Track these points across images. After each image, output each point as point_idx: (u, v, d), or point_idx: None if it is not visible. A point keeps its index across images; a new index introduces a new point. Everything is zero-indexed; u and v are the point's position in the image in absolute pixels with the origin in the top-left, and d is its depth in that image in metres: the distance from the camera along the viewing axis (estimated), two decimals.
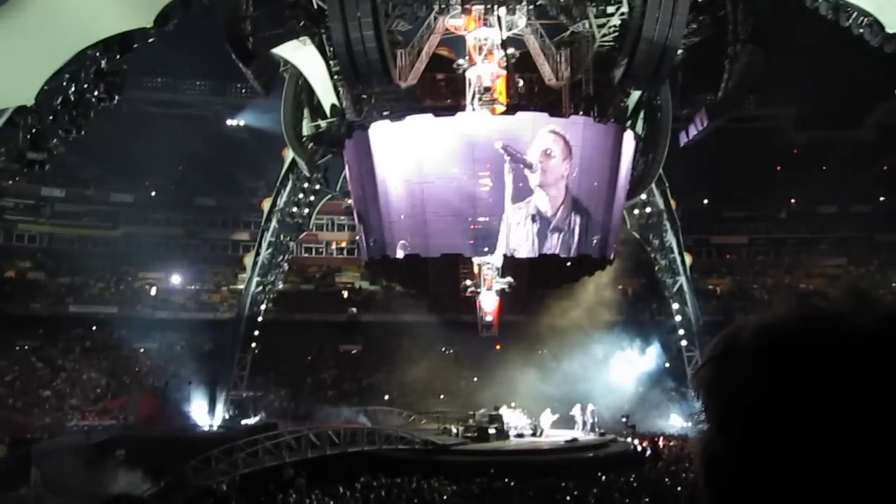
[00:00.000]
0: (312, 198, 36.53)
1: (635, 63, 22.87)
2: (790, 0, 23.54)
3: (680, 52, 24.45)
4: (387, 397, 38.92)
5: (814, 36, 27.19)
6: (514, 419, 30.14)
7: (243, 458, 22.29)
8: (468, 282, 28.80)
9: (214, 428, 34.89)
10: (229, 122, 52.50)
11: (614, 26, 25.08)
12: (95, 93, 19.73)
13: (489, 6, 25.84)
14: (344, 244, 50.53)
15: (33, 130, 19.25)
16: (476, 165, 25.08)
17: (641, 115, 30.35)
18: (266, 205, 37.62)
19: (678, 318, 37.23)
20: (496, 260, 27.15)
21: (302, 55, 28.05)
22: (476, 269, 28.54)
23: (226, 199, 49.71)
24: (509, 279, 27.96)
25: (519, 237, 25.06)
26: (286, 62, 29.73)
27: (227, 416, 35.77)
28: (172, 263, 47.47)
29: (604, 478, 22.16)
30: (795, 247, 49.24)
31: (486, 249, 25.89)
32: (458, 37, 27.66)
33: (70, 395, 38.80)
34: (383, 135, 25.51)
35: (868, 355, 0.82)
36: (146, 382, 40.71)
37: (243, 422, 34.88)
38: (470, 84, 26.84)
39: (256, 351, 37.68)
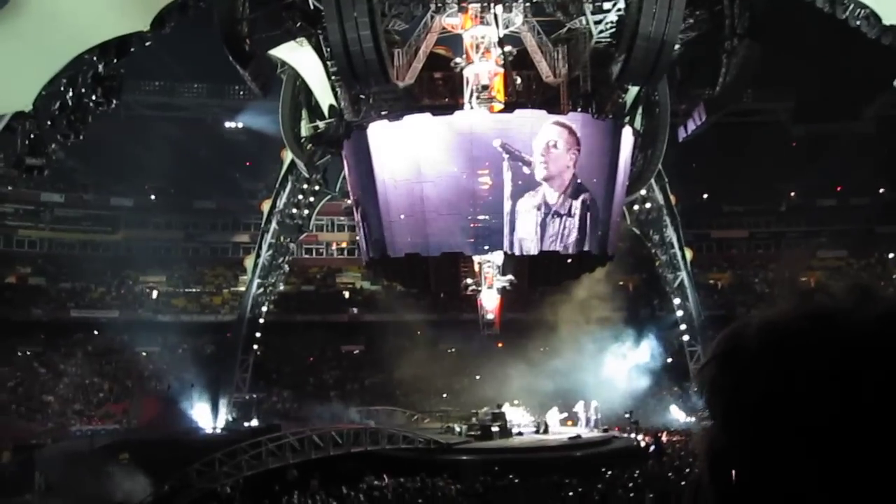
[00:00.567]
0: (312, 199, 36.53)
1: (633, 59, 22.84)
2: None
3: (677, 47, 24.43)
4: (389, 397, 38.93)
5: (811, 28, 27.18)
6: (518, 417, 30.13)
7: (247, 460, 22.30)
8: (469, 280, 28.81)
9: (217, 430, 34.91)
10: (228, 124, 52.49)
11: (611, 22, 25.06)
12: (93, 97, 19.67)
13: (486, 4, 25.84)
14: (344, 245, 50.50)
15: (32, 136, 19.20)
16: (475, 163, 25.11)
17: (640, 110, 30.36)
18: (266, 206, 37.63)
19: (679, 313, 37.24)
20: (497, 258, 27.16)
21: (299, 56, 28.06)
22: (477, 268, 28.55)
23: (225, 201, 49.66)
24: (510, 277, 27.97)
25: (527, 228, 25.07)
26: (283, 63, 29.75)
27: (230, 419, 35.79)
28: (173, 267, 47.51)
29: (608, 474, 22.15)
30: (796, 240, 49.25)
31: (486, 247, 25.90)
32: (456, 35, 27.66)
33: (73, 400, 38.81)
34: (382, 135, 25.52)
35: (871, 352, 0.82)
36: (149, 386, 40.70)
37: (246, 424, 34.91)
38: (468, 82, 26.84)
39: (258, 353, 37.74)
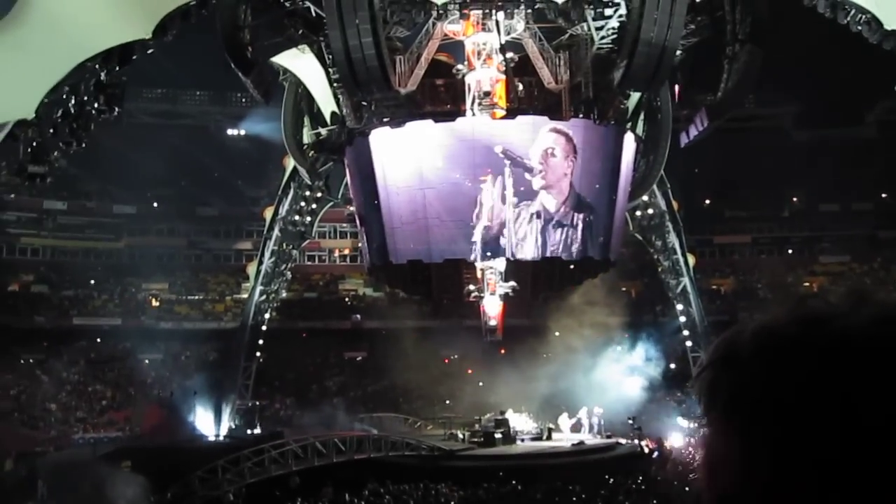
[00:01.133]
0: (314, 206, 36.53)
1: (634, 65, 22.84)
2: None
3: (679, 52, 24.45)
4: (392, 404, 38.87)
5: (812, 34, 27.19)
6: (521, 423, 30.06)
7: (250, 467, 22.30)
8: (471, 286, 28.77)
9: (220, 438, 34.85)
10: (230, 131, 52.63)
11: (612, 28, 25.07)
12: (95, 105, 19.72)
13: (487, 11, 25.86)
14: (347, 251, 50.54)
15: (34, 144, 19.24)
16: (477, 170, 25.09)
17: (641, 116, 30.35)
18: (268, 214, 37.67)
19: (682, 319, 37.13)
20: (499, 264, 27.14)
21: (301, 63, 28.11)
22: (479, 274, 28.53)
23: (228, 208, 49.77)
24: (512, 283, 27.92)
25: (522, 236, 25.05)
26: (285, 71, 29.79)
27: (232, 426, 35.74)
28: (175, 274, 47.55)
29: (611, 480, 22.11)
30: (798, 245, 49.22)
31: (488, 253, 25.88)
32: (457, 42, 27.69)
33: (75, 408, 38.81)
34: (384, 141, 25.54)
35: (865, 356, 0.82)
36: (151, 393, 40.66)
37: (249, 431, 34.85)
38: (469, 89, 26.85)
39: (261, 360, 37.70)
